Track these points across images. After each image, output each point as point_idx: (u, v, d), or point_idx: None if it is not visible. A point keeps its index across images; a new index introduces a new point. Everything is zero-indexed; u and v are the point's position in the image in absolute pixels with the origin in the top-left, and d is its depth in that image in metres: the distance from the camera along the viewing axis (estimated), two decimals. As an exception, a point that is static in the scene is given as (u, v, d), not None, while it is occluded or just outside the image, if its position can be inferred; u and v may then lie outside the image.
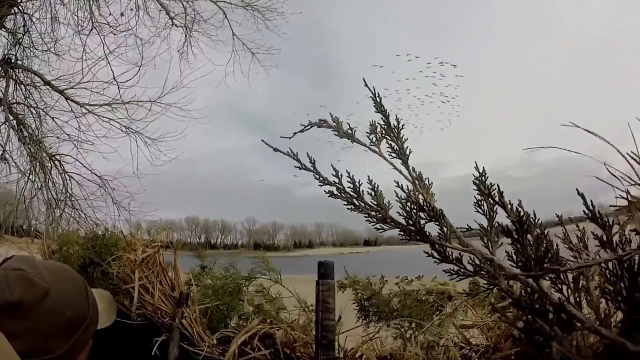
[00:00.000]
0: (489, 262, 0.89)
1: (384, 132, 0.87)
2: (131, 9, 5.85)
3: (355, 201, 0.83)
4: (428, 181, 0.93)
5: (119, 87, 5.19)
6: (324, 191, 0.86)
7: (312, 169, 0.86)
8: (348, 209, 0.85)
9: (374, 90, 0.88)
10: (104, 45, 5.34)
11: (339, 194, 0.85)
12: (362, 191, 0.84)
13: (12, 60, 5.50)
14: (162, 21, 6.03)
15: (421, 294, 2.51)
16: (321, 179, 0.85)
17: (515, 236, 0.80)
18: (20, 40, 5.64)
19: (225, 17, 6.57)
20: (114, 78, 5.11)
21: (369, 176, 0.84)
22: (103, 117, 5.29)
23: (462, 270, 0.86)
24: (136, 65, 5.33)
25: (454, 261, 0.86)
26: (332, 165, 0.85)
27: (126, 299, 1.56)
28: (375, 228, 0.83)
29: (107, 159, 5.15)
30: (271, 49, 7.07)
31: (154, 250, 1.63)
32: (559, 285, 0.91)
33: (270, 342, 1.32)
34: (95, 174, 5.18)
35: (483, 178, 0.92)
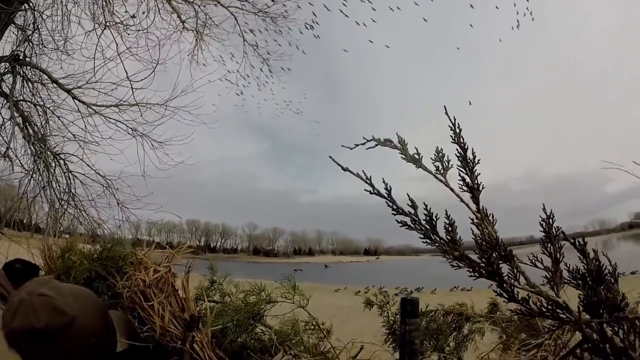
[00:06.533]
0: (554, 305, 0.87)
1: (458, 163, 0.84)
2: (143, 12, 5.82)
3: (431, 235, 0.80)
4: (492, 217, 0.90)
5: (132, 87, 5.08)
6: (396, 221, 0.83)
7: (386, 196, 0.81)
8: (423, 241, 0.81)
9: (454, 119, 0.85)
10: (117, 45, 5.27)
11: (413, 226, 0.81)
12: (437, 223, 0.80)
13: (20, 57, 5.42)
14: (173, 24, 5.99)
15: (439, 314, 2.45)
16: (395, 207, 0.81)
17: (590, 283, 0.78)
18: (30, 37, 5.58)
19: (237, 22, 6.56)
20: (127, 77, 5.02)
21: (446, 210, 0.81)
22: (110, 118, 5.21)
23: (528, 310, 0.83)
24: (151, 62, 5.21)
25: (521, 301, 0.83)
26: (408, 194, 0.81)
27: (134, 319, 1.48)
28: (452, 265, 0.79)
29: (114, 160, 5.06)
30: (283, 55, 7.06)
31: (166, 269, 1.52)
32: (617, 329, 0.89)
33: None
34: (100, 174, 5.08)
35: (551, 221, 0.89)
